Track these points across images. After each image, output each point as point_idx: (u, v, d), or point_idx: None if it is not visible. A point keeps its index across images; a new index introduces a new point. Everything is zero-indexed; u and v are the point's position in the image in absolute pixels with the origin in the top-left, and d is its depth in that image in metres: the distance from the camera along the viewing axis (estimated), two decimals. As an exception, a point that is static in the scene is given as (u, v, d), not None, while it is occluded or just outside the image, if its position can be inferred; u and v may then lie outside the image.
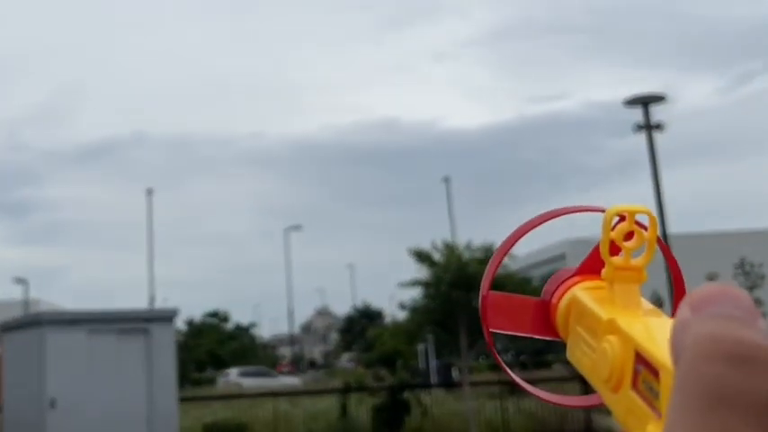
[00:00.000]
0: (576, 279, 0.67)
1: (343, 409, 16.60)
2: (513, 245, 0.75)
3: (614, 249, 0.61)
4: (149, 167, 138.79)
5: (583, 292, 0.64)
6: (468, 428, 15.90)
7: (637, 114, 20.94)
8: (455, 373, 35.70)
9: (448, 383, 22.03)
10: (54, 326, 13.56)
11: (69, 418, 13.05)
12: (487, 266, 0.72)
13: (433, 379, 33.40)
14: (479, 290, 0.70)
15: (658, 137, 20.81)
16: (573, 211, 0.70)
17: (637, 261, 0.61)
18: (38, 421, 13.06)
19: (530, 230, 0.72)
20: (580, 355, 0.61)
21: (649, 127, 20.60)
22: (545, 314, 0.69)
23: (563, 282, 0.68)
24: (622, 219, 0.62)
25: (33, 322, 13.95)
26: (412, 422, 16.60)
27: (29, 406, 13.52)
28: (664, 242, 0.66)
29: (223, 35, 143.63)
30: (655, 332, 0.52)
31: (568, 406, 0.75)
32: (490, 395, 18.02)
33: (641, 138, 20.90)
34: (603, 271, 0.62)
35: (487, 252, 15.93)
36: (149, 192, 51.21)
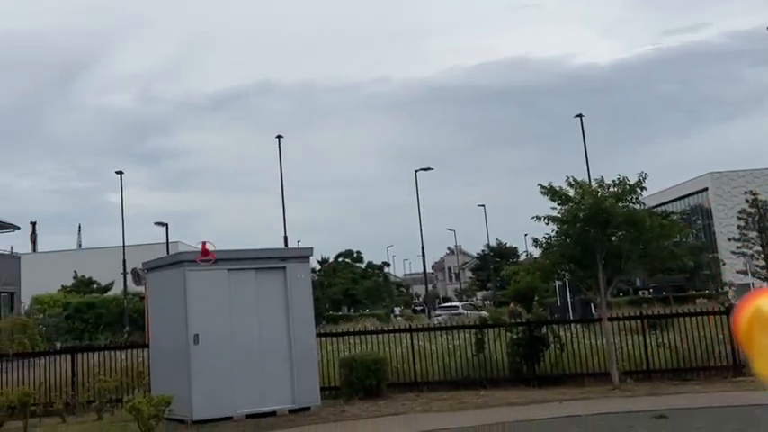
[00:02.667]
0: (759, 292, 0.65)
1: (480, 345, 16.72)
2: None
3: None
4: (277, 115, 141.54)
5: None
6: (608, 363, 15.76)
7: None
8: (593, 309, 35.39)
9: (586, 319, 21.79)
10: (195, 264, 14.08)
11: (212, 353, 13.65)
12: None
13: (571, 315, 33.21)
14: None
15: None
16: None
17: None
18: (182, 356, 13.71)
19: None
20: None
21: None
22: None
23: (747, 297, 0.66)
24: None
25: (175, 262, 14.52)
26: (550, 357, 16.59)
27: (173, 341, 14.18)
28: None
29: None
30: None
31: None
32: (630, 330, 17.77)
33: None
34: None
35: (623, 187, 15.55)
36: (279, 138, 52.12)
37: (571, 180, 15.97)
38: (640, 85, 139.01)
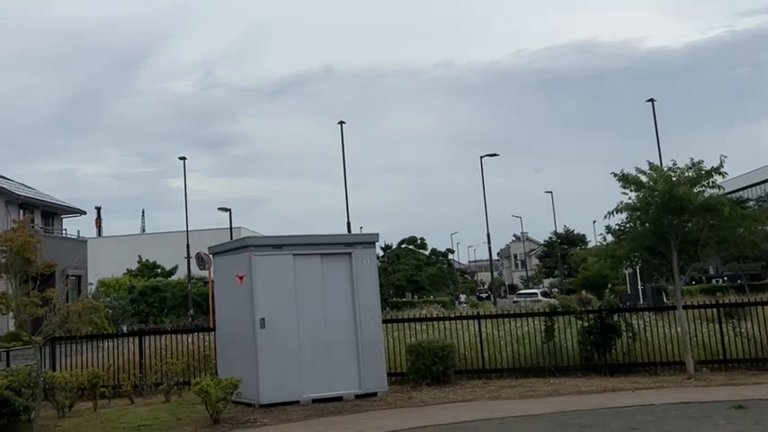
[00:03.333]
0: None
1: (550, 333, 16.64)
2: None
3: None
4: (339, 100, 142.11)
5: None
6: (682, 352, 15.55)
7: None
8: (665, 297, 34.89)
9: (659, 307, 21.50)
10: (261, 249, 14.26)
11: (278, 338, 13.83)
12: None
13: (642, 303, 32.80)
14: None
15: None
16: None
17: None
18: (248, 340, 13.92)
19: None
20: None
21: None
22: None
23: None
24: None
25: (241, 246, 14.70)
26: (622, 346, 16.42)
27: (239, 325, 14.40)
28: None
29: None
30: None
31: None
32: (705, 319, 17.50)
33: None
34: None
35: (698, 171, 15.26)
36: (341, 123, 52.32)
37: (642, 167, 15.76)
38: (713, 69, 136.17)
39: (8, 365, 17.46)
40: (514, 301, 55.47)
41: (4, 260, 12.33)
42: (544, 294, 62.27)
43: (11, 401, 12.42)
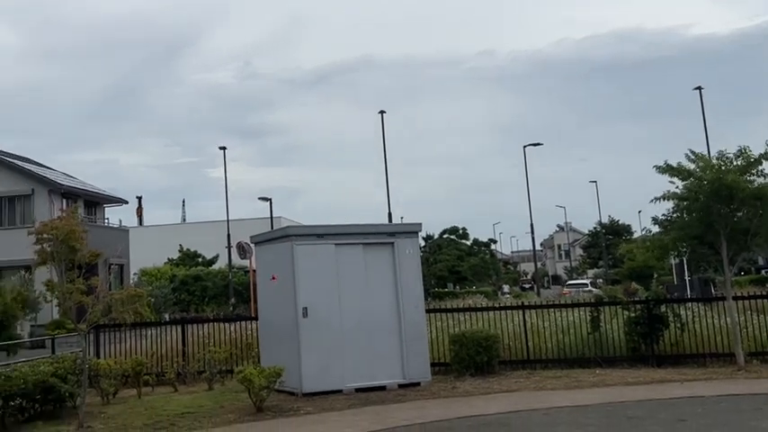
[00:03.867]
0: None
1: (596, 323, 16.54)
2: None
3: None
4: (378, 90, 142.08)
5: None
6: (731, 344, 15.38)
7: None
8: (712, 288, 34.51)
9: (708, 298, 21.27)
10: (303, 239, 14.35)
11: (321, 327, 13.92)
12: None
13: (689, 294, 32.46)
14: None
15: None
16: None
17: None
18: (291, 329, 14.02)
19: None
20: None
21: None
22: None
23: None
24: None
25: (283, 236, 14.79)
26: (670, 337, 16.28)
27: (282, 314, 14.51)
28: None
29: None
30: None
31: None
32: (755, 310, 17.27)
33: None
34: None
35: (747, 159, 15.05)
36: (382, 113, 52.34)
37: (690, 154, 15.57)
38: (762, 56, 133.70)
39: (53, 352, 17.78)
40: (565, 292, 56.41)
41: (49, 248, 12.55)
42: (593, 285, 63.23)
43: (56, 388, 12.66)
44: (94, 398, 14.14)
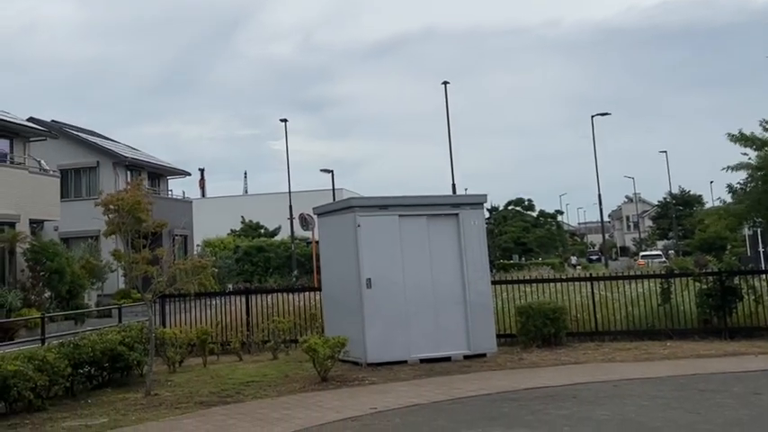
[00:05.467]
0: None
1: (667, 295, 16.33)
2: None
3: None
4: (441, 61, 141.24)
5: None
6: (810, 317, 15.09)
7: None
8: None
9: (784, 270, 20.84)
10: (366, 210, 14.40)
11: (385, 298, 14.00)
12: None
13: (764, 265, 31.83)
14: None
15: None
16: None
17: None
18: (355, 300, 14.13)
19: None
20: None
21: None
22: None
23: None
24: None
25: (346, 207, 14.85)
26: (743, 309, 16.01)
27: (345, 285, 14.62)
28: None
29: None
30: None
31: None
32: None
33: None
34: None
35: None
36: (445, 83, 51.99)
37: (765, 124, 15.24)
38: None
39: (120, 321, 18.20)
40: (640, 263, 57.30)
41: (116, 219, 12.81)
42: (666, 256, 63.82)
43: (124, 356, 12.98)
44: (161, 366, 14.44)
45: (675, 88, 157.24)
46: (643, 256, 70.99)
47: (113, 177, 40.14)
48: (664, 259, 58.68)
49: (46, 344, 14.40)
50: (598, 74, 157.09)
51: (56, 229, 34.65)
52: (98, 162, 41.88)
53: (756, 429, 7.93)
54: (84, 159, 41.89)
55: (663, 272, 17.73)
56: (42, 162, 34.11)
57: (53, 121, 43.48)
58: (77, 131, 44.43)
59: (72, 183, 41.60)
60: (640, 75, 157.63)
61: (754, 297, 15.95)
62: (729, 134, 15.29)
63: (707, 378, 11.25)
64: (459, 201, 16.09)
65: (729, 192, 16.14)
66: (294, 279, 41.97)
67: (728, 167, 15.36)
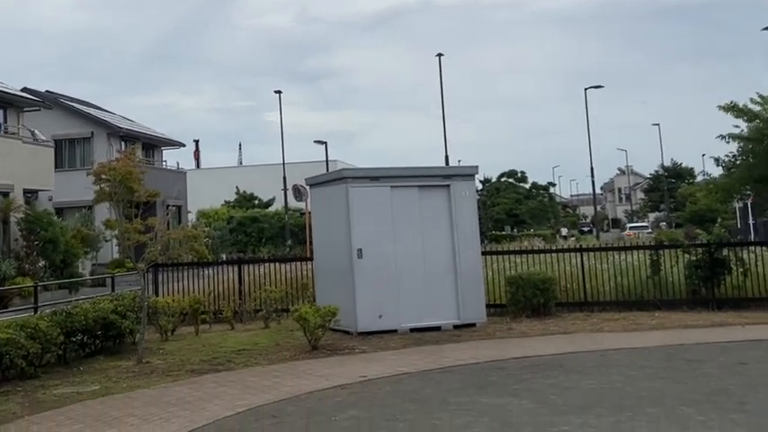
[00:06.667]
0: None
1: (656, 267, 16.34)
2: None
3: None
4: (438, 33, 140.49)
5: None
6: (797, 289, 15.13)
7: None
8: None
9: (772, 242, 20.84)
10: (358, 181, 14.37)
11: (376, 268, 14.00)
12: None
13: (753, 237, 31.88)
14: None
15: None
16: None
17: None
18: (346, 270, 14.13)
19: None
20: None
21: None
22: None
23: None
24: None
25: (338, 178, 14.82)
26: (731, 280, 16.05)
27: (337, 255, 14.62)
28: None
29: None
30: None
31: None
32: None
33: None
34: None
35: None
36: (439, 56, 51.72)
37: (757, 97, 15.20)
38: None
39: (113, 290, 18.19)
40: (629, 234, 59.55)
41: (108, 188, 12.76)
42: (657, 227, 66.06)
43: (116, 324, 12.98)
44: (153, 335, 14.46)
45: (670, 61, 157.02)
46: (631, 227, 72.65)
47: (108, 148, 39.94)
48: (650, 230, 61.32)
49: (39, 312, 14.36)
50: (593, 47, 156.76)
51: (50, 199, 34.56)
52: (92, 133, 41.69)
53: (741, 398, 7.95)
54: (78, 130, 41.69)
55: (651, 243, 17.73)
56: (36, 132, 33.97)
57: (47, 91, 43.25)
58: (72, 102, 44.18)
59: (66, 153, 41.42)
60: (636, 48, 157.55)
61: (742, 269, 15.97)
62: (721, 106, 15.21)
63: (693, 348, 11.28)
64: (451, 172, 16.06)
65: (717, 165, 16.08)
66: (288, 249, 41.93)
67: (720, 136, 15.31)
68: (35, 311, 16.17)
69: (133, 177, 12.66)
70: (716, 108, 15.80)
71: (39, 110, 34.43)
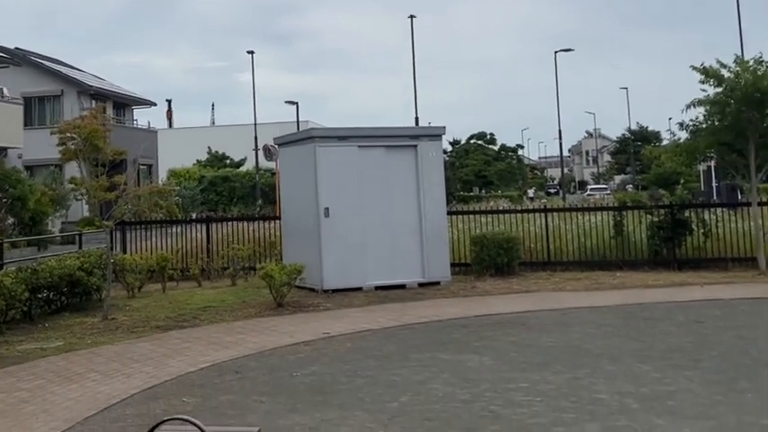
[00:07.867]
0: None
1: (619, 228, 16.39)
2: None
3: None
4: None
5: None
6: (754, 249, 15.24)
7: None
8: (739, 195, 34.10)
9: (733, 203, 21.00)
10: (326, 141, 14.25)
11: (342, 227, 13.94)
12: None
13: (716, 200, 32.09)
14: None
15: None
16: None
17: None
18: (313, 228, 14.06)
19: None
20: None
21: None
22: None
23: None
24: None
25: (306, 138, 14.70)
26: (692, 241, 16.14)
27: (304, 214, 14.53)
28: None
29: None
30: None
31: None
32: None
33: None
34: None
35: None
36: (411, 17, 51.32)
37: (724, 61, 15.21)
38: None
39: (80, 248, 17.99)
40: (588, 195, 61.35)
41: (73, 147, 12.58)
42: (622, 189, 67.73)
43: (83, 281, 12.83)
44: (120, 291, 14.34)
45: (639, 25, 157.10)
46: (591, 189, 74.98)
47: (78, 106, 39.37)
48: (609, 192, 63.54)
49: (4, 269, 14.17)
50: (566, 9, 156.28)
51: (20, 157, 34.10)
52: (62, 91, 41.09)
53: (696, 356, 8.00)
54: (48, 87, 41.06)
55: (615, 204, 17.78)
56: (4, 89, 33.38)
57: (17, 48, 42.44)
58: (42, 59, 43.42)
59: (36, 111, 40.81)
60: (606, 11, 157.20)
61: (703, 230, 16.06)
62: (693, 66, 15.20)
63: (653, 307, 11.36)
64: (418, 132, 15.98)
65: (681, 128, 16.08)
66: (258, 209, 41.73)
67: (687, 106, 15.35)
68: (0, 268, 15.95)
69: (98, 135, 12.49)
70: (685, 74, 15.84)
71: (7, 67, 33.84)
